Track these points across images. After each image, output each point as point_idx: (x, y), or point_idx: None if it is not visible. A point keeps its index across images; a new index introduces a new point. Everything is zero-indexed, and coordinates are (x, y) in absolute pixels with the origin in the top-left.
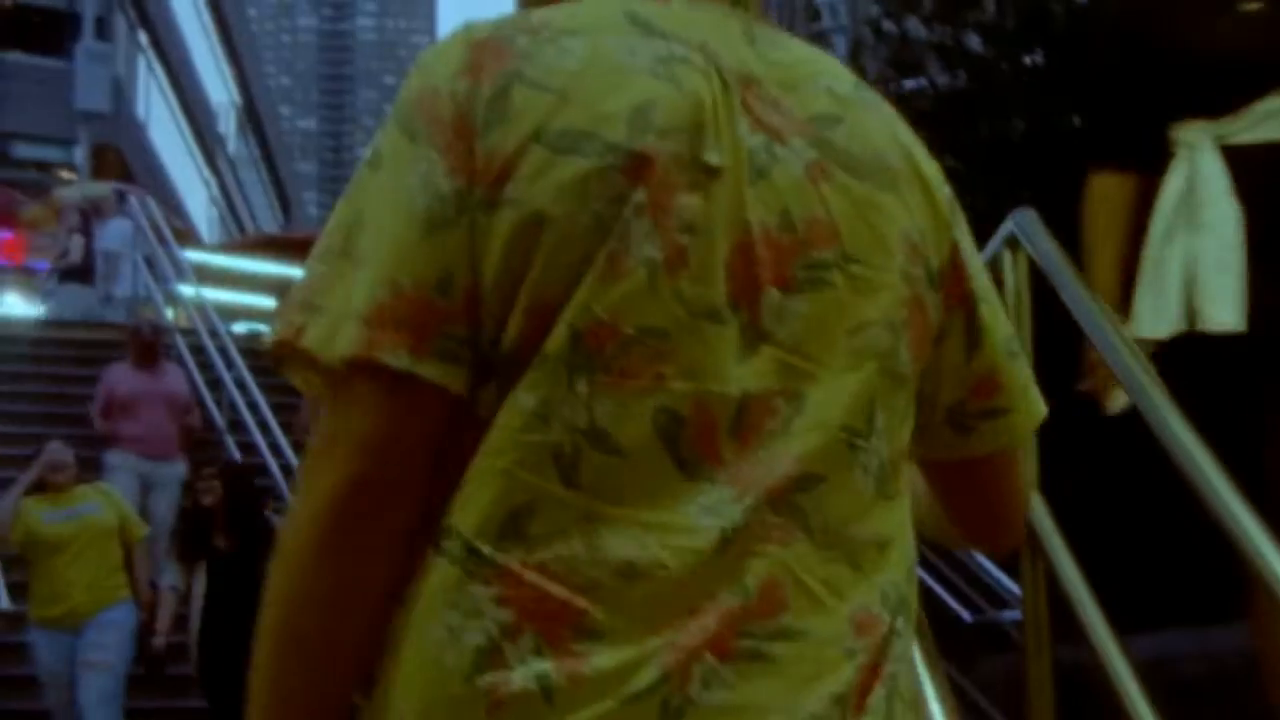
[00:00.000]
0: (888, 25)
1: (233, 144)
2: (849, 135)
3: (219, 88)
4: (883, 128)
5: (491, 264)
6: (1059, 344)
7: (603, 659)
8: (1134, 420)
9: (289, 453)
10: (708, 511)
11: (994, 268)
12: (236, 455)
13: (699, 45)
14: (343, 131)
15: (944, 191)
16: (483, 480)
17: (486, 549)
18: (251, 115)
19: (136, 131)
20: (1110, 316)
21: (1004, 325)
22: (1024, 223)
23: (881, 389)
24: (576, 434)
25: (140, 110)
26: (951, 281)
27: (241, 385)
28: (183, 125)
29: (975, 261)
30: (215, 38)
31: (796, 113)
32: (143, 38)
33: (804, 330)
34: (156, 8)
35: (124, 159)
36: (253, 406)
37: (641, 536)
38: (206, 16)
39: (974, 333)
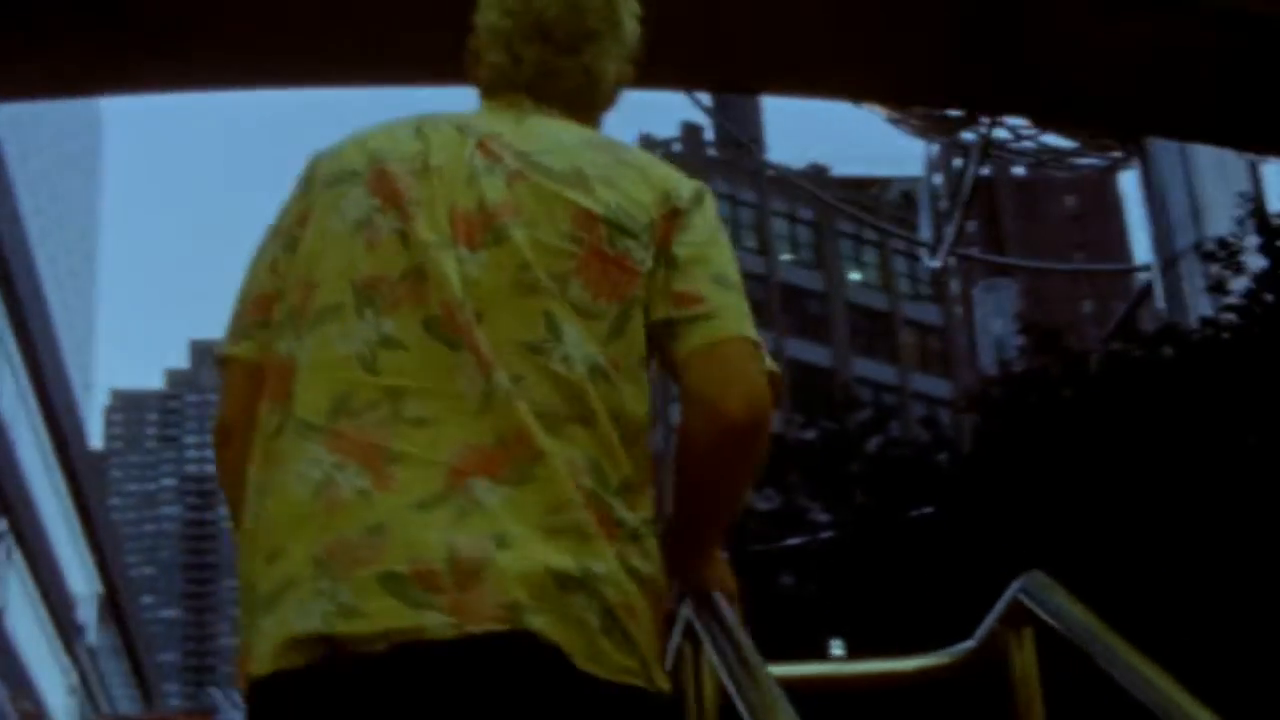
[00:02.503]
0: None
1: (93, 633)
2: (553, 157)
3: (79, 577)
4: (597, 157)
5: (300, 264)
6: None
7: (403, 472)
8: None
9: None
10: (469, 380)
11: (990, 649)
12: None
13: (453, 119)
14: (206, 621)
15: (677, 184)
16: (313, 383)
17: (320, 421)
18: (113, 604)
19: None
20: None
21: (718, 263)
22: (1036, 589)
23: (561, 312)
24: (371, 343)
25: None
26: (660, 233)
27: None
28: (41, 613)
29: (696, 226)
30: (77, 527)
31: (518, 147)
32: (2, 524)
33: (482, 271)
34: (17, 493)
35: None
36: None
37: (429, 401)
38: (69, 505)
39: (674, 265)
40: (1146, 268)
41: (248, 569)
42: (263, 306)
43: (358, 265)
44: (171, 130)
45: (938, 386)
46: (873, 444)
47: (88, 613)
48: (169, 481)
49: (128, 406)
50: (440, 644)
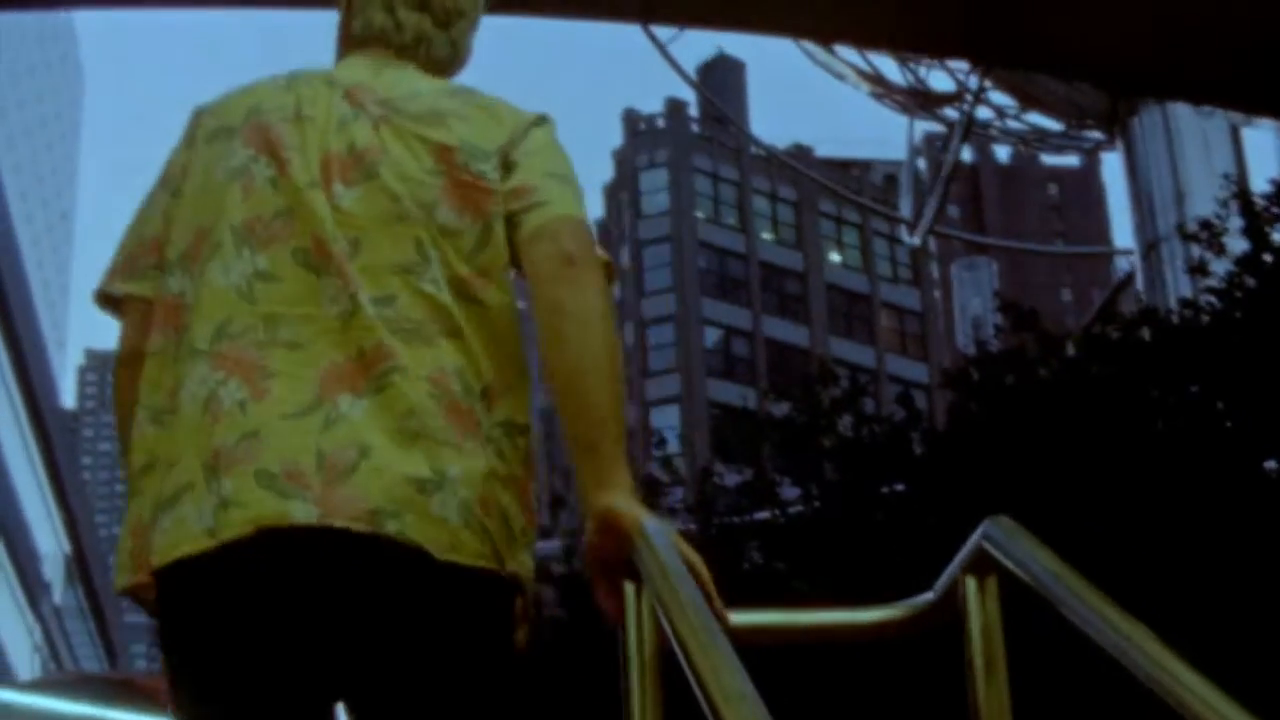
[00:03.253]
0: (722, 469)
1: (59, 594)
2: (412, 103)
3: (47, 536)
4: (452, 102)
5: (184, 209)
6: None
7: (277, 386)
8: None
9: None
10: (332, 301)
11: (951, 601)
12: None
13: (322, 74)
14: None
15: (521, 115)
16: (200, 315)
17: (205, 346)
18: (81, 565)
19: None
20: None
21: (551, 164)
22: (999, 536)
23: (427, 237)
24: (250, 276)
25: None
26: (504, 153)
27: None
28: (7, 571)
29: (530, 141)
30: (46, 485)
31: (380, 94)
32: None
33: (356, 204)
34: None
35: None
36: None
37: (301, 326)
38: (38, 463)
39: (511, 169)
40: (1129, 251)
41: (154, 483)
42: (155, 249)
43: (235, 210)
44: (152, 88)
45: (915, 370)
46: (846, 421)
47: (54, 572)
48: None
49: (101, 366)
50: (304, 530)
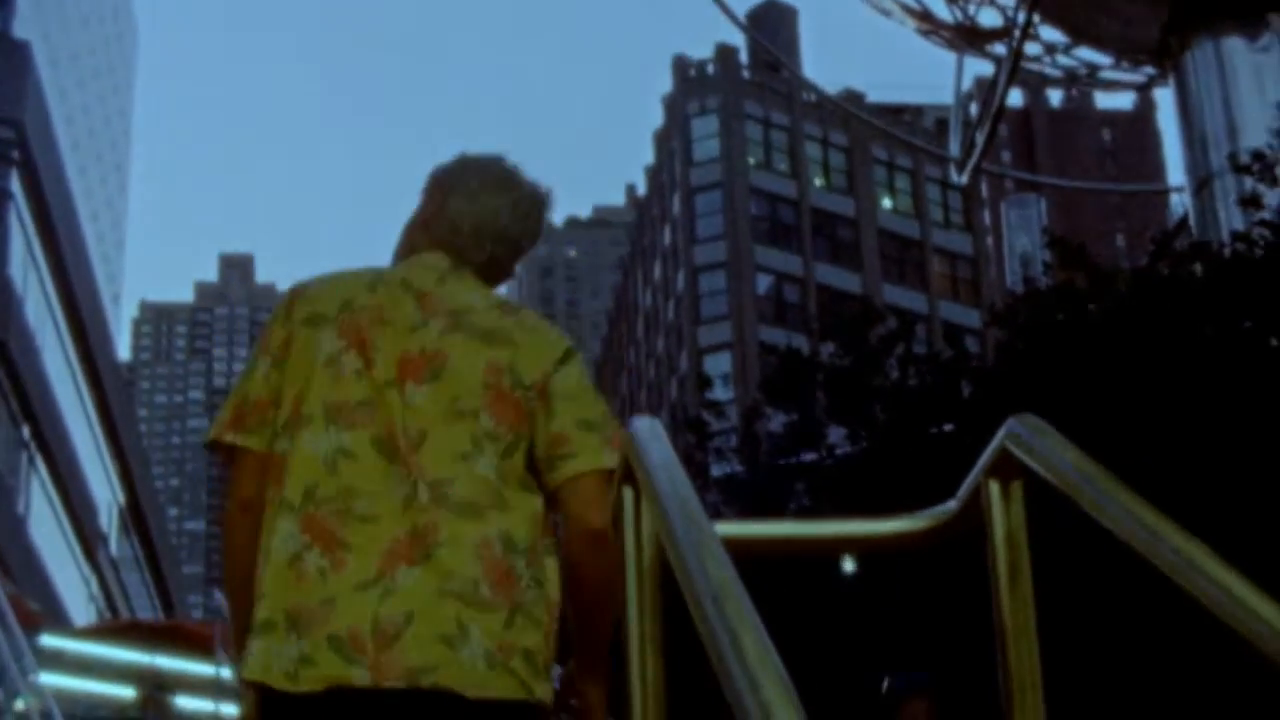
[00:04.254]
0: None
1: (115, 544)
2: (473, 318)
3: (104, 488)
4: (506, 321)
5: (286, 382)
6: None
7: (351, 559)
8: None
9: None
10: (399, 484)
11: (974, 508)
12: None
13: (399, 278)
14: None
15: (555, 349)
16: (294, 475)
17: (297, 503)
18: (136, 516)
19: (14, 526)
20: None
21: (580, 410)
22: (1025, 434)
23: (478, 434)
24: (333, 449)
25: (20, 506)
26: (540, 387)
27: None
28: (64, 523)
29: (563, 381)
30: (102, 438)
31: (447, 306)
32: (25, 432)
33: (425, 401)
34: (41, 403)
35: None
36: None
37: (372, 501)
38: (94, 415)
39: (550, 412)
40: (1181, 189)
41: (258, 600)
42: (261, 409)
43: (327, 391)
44: (205, 46)
45: (968, 316)
46: (893, 360)
47: (110, 523)
48: (196, 394)
49: (156, 318)
50: (361, 691)
